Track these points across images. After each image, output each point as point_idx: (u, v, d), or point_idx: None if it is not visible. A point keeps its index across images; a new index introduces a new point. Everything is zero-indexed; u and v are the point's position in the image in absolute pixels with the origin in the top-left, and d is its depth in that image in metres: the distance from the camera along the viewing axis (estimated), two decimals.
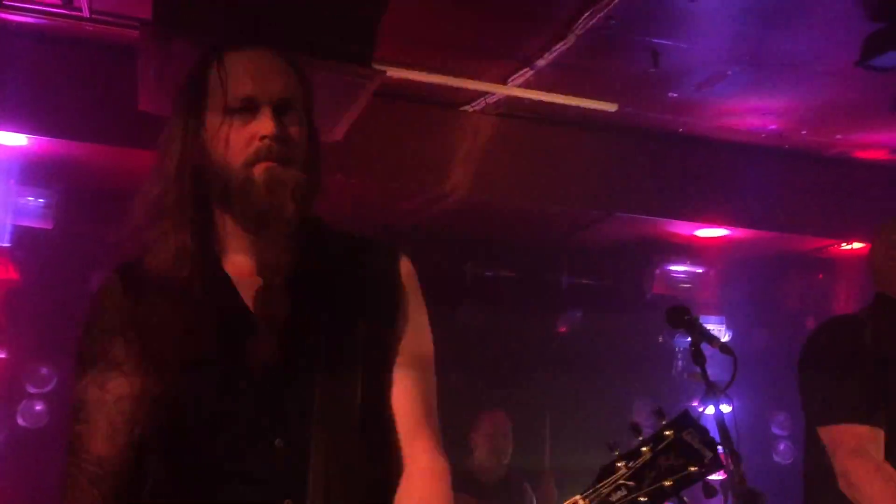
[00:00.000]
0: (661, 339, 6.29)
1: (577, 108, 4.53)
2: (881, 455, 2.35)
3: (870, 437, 2.36)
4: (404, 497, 1.49)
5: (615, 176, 5.10)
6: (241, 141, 1.47)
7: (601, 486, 1.51)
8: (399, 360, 1.55)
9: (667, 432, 1.54)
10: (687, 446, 1.53)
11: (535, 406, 5.53)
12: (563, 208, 5.25)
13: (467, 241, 5.82)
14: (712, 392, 2.13)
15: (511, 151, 4.91)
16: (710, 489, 1.56)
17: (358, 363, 1.50)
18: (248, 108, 1.48)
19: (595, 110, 4.55)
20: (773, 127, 4.92)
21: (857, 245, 5.66)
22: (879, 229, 2.69)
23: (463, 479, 4.62)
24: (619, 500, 1.51)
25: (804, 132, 4.98)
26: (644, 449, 1.53)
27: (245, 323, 1.48)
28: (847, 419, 2.41)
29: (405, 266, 1.61)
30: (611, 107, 4.52)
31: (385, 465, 1.51)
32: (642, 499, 1.51)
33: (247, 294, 1.51)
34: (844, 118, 4.78)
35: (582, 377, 5.74)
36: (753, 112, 4.72)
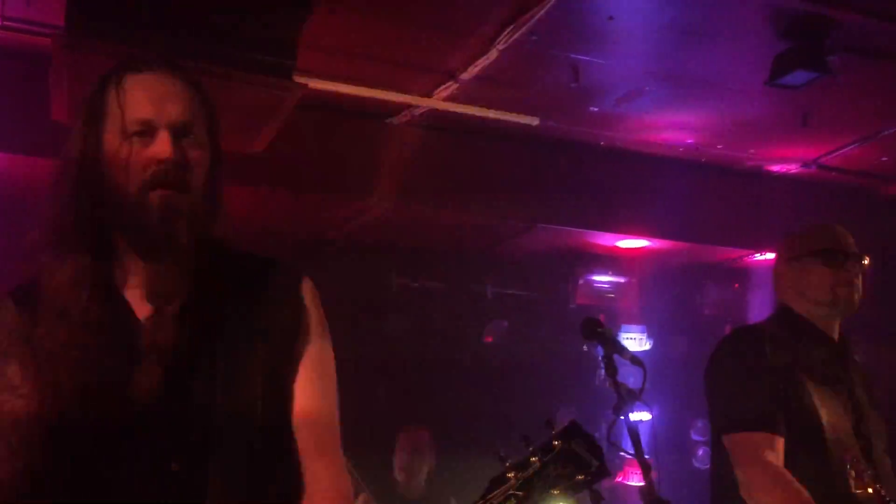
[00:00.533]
0: (584, 347, 6.37)
1: (501, 121, 4.59)
2: (781, 462, 2.42)
3: (769, 445, 2.41)
4: None
5: (538, 188, 5.17)
6: (139, 165, 1.44)
7: (492, 497, 1.53)
8: (300, 378, 1.54)
9: (555, 442, 1.57)
10: (575, 455, 1.56)
11: (460, 416, 5.56)
12: (487, 219, 5.30)
13: (393, 251, 5.82)
14: (625, 401, 2.19)
15: (436, 163, 4.94)
16: (596, 496, 1.60)
17: (257, 384, 1.48)
18: (146, 132, 1.46)
19: (518, 123, 4.62)
20: (690, 141, 5.07)
21: (769, 255, 5.84)
22: (781, 243, 2.79)
23: (387, 495, 4.59)
24: None
25: (719, 146, 5.14)
26: (533, 459, 1.56)
27: (136, 350, 1.46)
28: (747, 427, 2.47)
29: (307, 286, 1.60)
30: (533, 120, 4.60)
31: (286, 486, 1.49)
32: None
33: (144, 320, 1.49)
34: (757, 133, 4.95)
35: (508, 386, 5.79)
36: (671, 127, 4.85)
